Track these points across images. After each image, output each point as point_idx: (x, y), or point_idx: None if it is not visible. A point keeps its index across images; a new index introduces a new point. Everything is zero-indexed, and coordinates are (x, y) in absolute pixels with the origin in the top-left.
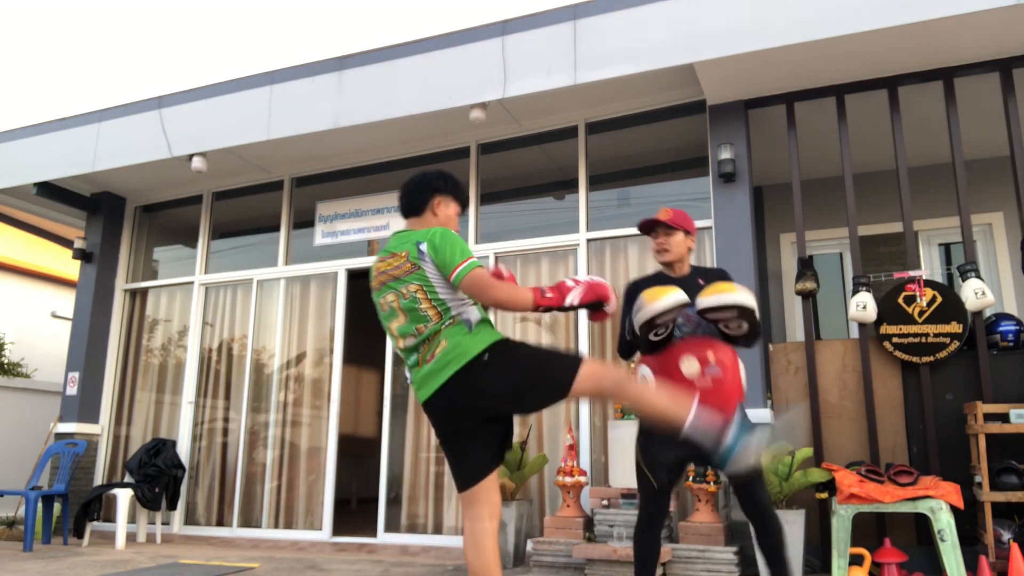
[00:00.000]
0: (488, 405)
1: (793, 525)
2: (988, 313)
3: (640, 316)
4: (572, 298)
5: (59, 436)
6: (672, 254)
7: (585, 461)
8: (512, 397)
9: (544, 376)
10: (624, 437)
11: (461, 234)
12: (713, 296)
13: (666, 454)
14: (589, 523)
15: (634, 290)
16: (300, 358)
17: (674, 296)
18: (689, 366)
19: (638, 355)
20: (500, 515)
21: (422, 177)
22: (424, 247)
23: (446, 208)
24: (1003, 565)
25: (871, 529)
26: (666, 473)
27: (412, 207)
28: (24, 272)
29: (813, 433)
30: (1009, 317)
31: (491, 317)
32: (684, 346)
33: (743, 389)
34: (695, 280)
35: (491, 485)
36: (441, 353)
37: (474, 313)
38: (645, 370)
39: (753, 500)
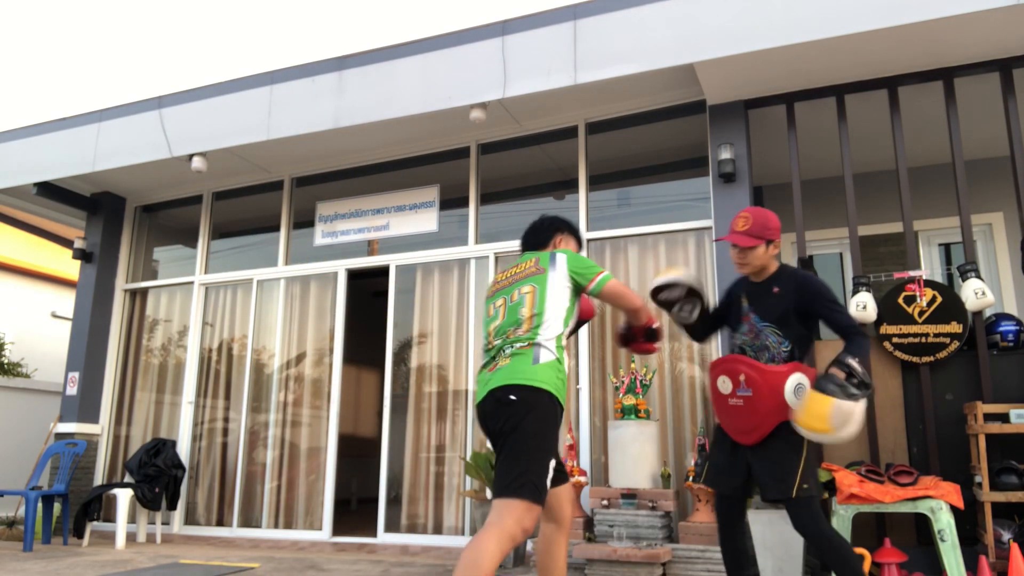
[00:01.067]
0: (498, 432)
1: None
2: (988, 313)
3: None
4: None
5: (59, 436)
6: (750, 267)
7: (585, 461)
8: (507, 440)
9: (526, 461)
10: (624, 437)
11: (461, 233)
12: (658, 277)
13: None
14: (589, 523)
15: (725, 294)
16: (300, 358)
17: (667, 276)
18: (723, 385)
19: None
20: (520, 525)
21: (550, 218)
22: (560, 256)
23: (566, 244)
24: (1003, 565)
25: (871, 529)
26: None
27: (537, 242)
28: (24, 272)
29: None
30: (1009, 317)
31: (563, 365)
32: (723, 364)
33: (784, 408)
34: (770, 288)
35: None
36: (506, 367)
37: (549, 353)
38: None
39: (795, 526)
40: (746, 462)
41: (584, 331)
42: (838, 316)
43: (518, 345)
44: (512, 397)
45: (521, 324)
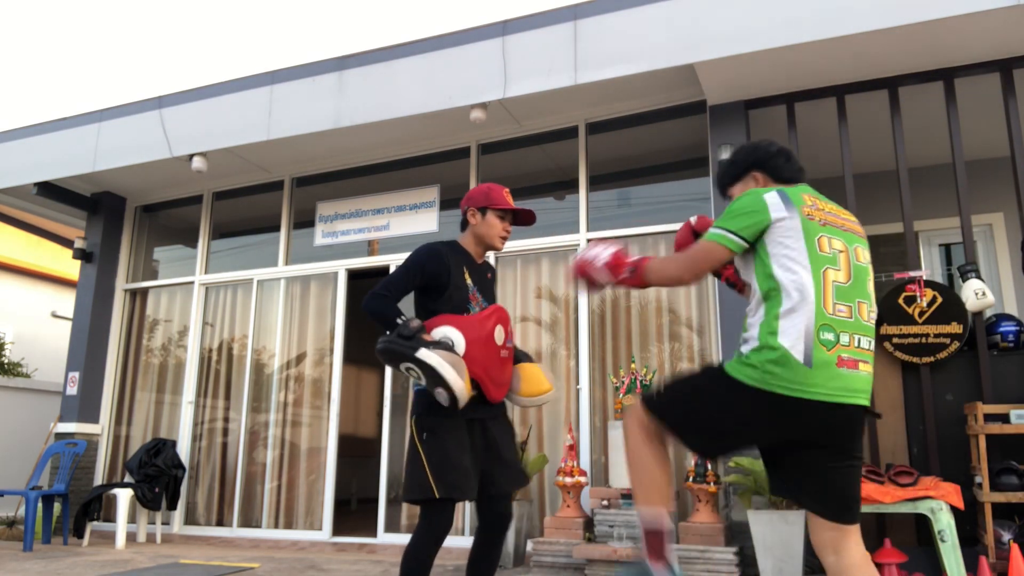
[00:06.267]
0: (840, 449)
1: (793, 526)
2: (988, 314)
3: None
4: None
5: (59, 436)
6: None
7: (585, 461)
8: (855, 458)
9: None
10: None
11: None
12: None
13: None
14: (589, 523)
15: (440, 258)
16: (300, 358)
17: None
18: (499, 335)
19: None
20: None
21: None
22: None
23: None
24: (1003, 566)
25: (871, 529)
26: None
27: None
28: (24, 272)
29: None
30: (1009, 318)
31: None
32: (499, 313)
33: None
34: (486, 268)
35: None
36: (870, 375)
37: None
38: (450, 331)
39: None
40: (485, 443)
41: (584, 331)
42: None
43: (868, 343)
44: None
45: (871, 304)
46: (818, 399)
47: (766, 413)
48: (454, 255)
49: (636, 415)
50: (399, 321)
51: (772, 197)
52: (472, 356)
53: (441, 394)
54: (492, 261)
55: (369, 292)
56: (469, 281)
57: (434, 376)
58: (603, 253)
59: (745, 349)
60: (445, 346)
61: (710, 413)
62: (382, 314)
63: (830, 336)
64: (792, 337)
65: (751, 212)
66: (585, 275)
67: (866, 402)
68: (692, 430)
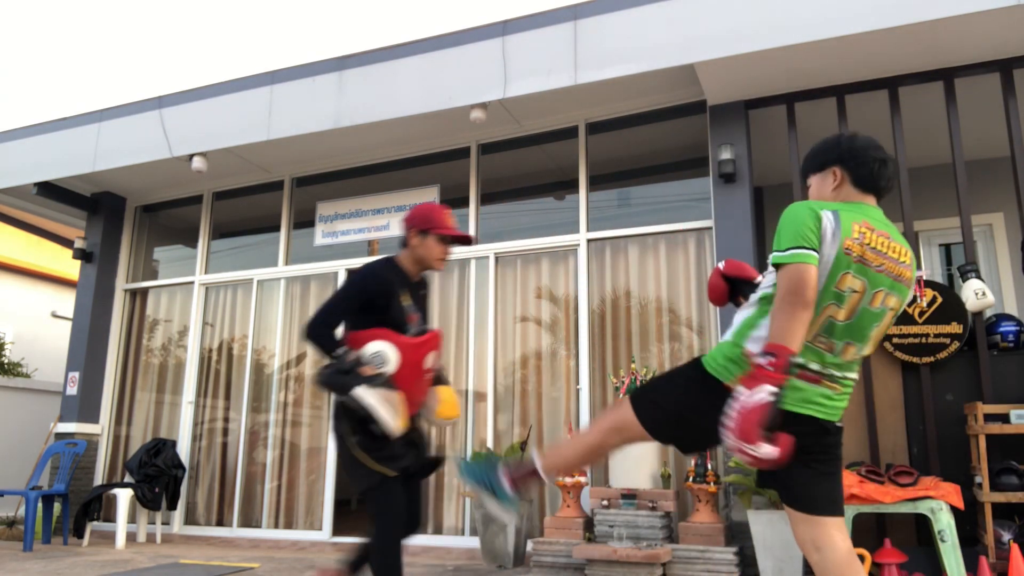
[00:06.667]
0: (816, 452)
1: None
2: (988, 314)
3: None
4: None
5: (59, 436)
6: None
7: None
8: (835, 464)
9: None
10: None
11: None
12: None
13: None
14: (589, 523)
15: (379, 280)
16: (300, 358)
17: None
18: (430, 359)
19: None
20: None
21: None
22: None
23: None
24: (1003, 566)
25: (871, 529)
26: None
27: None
28: (24, 272)
29: None
30: (1009, 318)
31: None
32: (436, 341)
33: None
34: (423, 282)
35: None
36: (844, 403)
37: None
38: (386, 347)
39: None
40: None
41: (584, 331)
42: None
43: (853, 379)
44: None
45: (866, 347)
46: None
47: (719, 402)
48: (393, 275)
49: (620, 411)
50: (337, 353)
51: (827, 216)
52: (400, 376)
53: (376, 425)
54: (492, 262)
55: (311, 320)
56: (408, 302)
57: (370, 413)
58: (748, 403)
59: (724, 337)
60: (382, 381)
61: (677, 398)
62: (324, 346)
63: (797, 359)
64: (759, 346)
65: (807, 223)
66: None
67: (822, 415)
68: (662, 418)
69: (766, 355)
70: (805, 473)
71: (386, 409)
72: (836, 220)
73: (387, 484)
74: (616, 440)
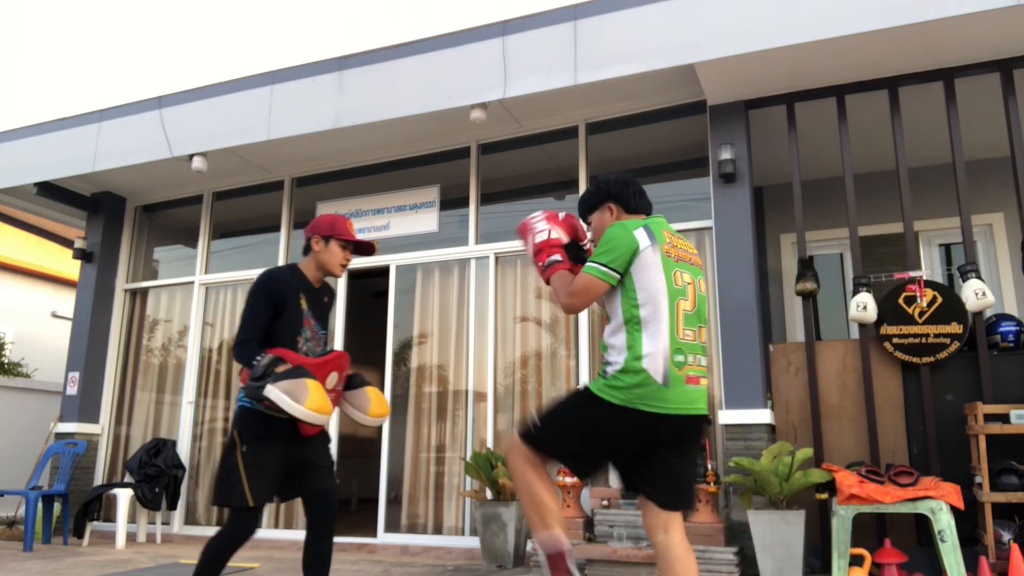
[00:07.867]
0: (678, 444)
1: (793, 526)
2: (988, 314)
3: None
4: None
5: (59, 436)
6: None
7: None
8: (690, 455)
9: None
10: None
11: (461, 233)
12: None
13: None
14: (589, 523)
15: (278, 282)
16: None
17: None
18: (332, 380)
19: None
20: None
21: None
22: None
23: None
24: (1003, 566)
25: (871, 530)
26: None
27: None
28: (24, 272)
29: (814, 433)
30: (1009, 318)
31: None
32: (339, 361)
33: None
34: (323, 292)
35: None
36: (704, 391)
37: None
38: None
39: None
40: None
41: (584, 331)
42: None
43: (704, 361)
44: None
45: (706, 326)
46: (673, 412)
47: (633, 428)
48: (293, 279)
49: (516, 447)
50: (254, 364)
51: (640, 232)
52: None
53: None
54: (492, 262)
55: (235, 341)
56: (304, 306)
57: (282, 409)
58: (540, 232)
59: (610, 371)
60: (287, 374)
61: (583, 435)
62: (245, 361)
63: (681, 358)
64: (653, 360)
65: (620, 245)
66: (522, 237)
67: (705, 411)
68: (570, 454)
69: (546, 264)
70: (680, 470)
71: (289, 401)
72: (649, 231)
73: (252, 511)
74: (542, 469)
